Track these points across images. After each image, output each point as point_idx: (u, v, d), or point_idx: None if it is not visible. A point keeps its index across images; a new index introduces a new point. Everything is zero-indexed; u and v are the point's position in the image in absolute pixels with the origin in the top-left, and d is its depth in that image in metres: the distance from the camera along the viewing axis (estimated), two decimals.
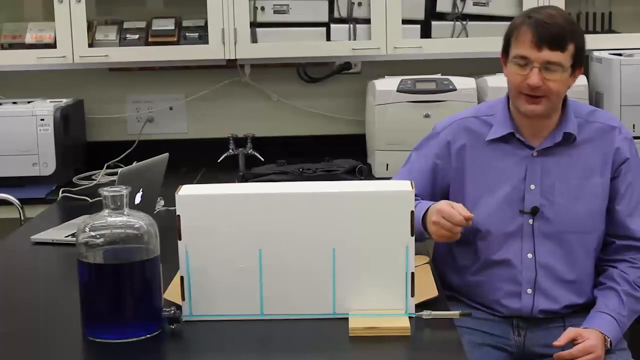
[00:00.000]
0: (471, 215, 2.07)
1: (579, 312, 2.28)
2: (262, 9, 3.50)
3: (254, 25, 3.49)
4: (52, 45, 3.48)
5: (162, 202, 2.85)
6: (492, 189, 2.26)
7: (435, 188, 2.34)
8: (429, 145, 2.37)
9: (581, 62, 2.21)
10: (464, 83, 3.38)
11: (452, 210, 2.07)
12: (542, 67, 2.15)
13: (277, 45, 3.49)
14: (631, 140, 2.30)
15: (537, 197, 2.24)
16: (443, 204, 2.11)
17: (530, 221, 2.25)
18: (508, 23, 3.58)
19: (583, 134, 2.26)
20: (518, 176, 2.25)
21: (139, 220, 1.77)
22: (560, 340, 2.16)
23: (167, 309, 1.80)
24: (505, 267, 2.27)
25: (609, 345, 2.18)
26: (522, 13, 2.25)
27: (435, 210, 2.11)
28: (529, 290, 2.26)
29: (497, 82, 3.37)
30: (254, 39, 3.49)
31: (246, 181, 3.32)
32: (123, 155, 3.69)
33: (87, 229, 1.76)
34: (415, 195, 2.14)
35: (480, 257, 2.29)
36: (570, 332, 2.17)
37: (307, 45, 3.49)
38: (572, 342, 2.16)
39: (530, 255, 2.25)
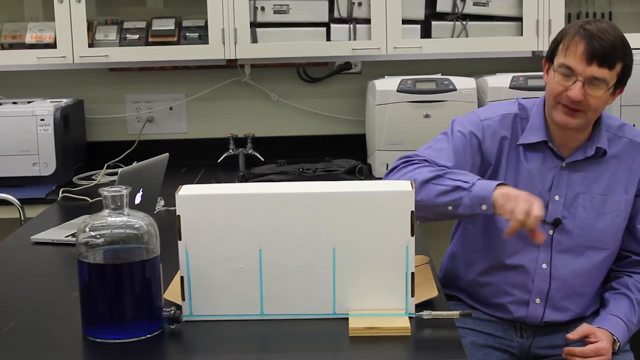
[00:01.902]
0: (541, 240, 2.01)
1: (583, 319, 2.29)
2: (262, 9, 3.50)
3: (254, 25, 3.49)
4: (52, 45, 3.48)
5: (162, 202, 2.86)
6: None
7: (471, 171, 2.22)
8: (473, 131, 2.25)
9: (625, 81, 2.17)
10: (464, 83, 3.38)
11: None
12: (586, 81, 2.11)
13: (277, 45, 3.49)
14: None
15: (560, 209, 2.22)
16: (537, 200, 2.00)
17: (551, 232, 2.22)
18: (508, 23, 3.61)
19: (611, 149, 2.23)
20: (544, 185, 2.22)
21: (139, 220, 1.77)
22: (574, 335, 2.17)
23: (167, 309, 1.80)
24: (517, 272, 2.25)
25: (616, 349, 2.18)
26: (575, 22, 2.18)
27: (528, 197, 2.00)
28: (538, 300, 2.25)
29: (497, 82, 3.38)
30: (254, 39, 3.49)
31: (246, 181, 3.32)
32: (123, 155, 3.70)
33: (87, 229, 1.76)
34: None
35: (494, 258, 2.27)
36: (584, 329, 2.18)
37: (307, 45, 3.49)
38: (584, 339, 2.17)
39: (545, 266, 2.24)
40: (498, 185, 2.04)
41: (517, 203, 1.97)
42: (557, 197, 2.22)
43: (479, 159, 2.24)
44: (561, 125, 2.17)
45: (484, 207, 2.03)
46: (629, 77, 2.17)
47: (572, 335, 2.17)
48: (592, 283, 2.27)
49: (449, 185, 2.05)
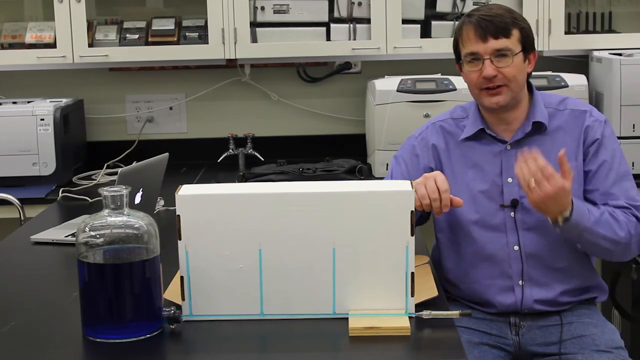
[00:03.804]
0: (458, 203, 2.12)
1: (576, 307, 2.30)
2: (262, 8, 3.50)
3: (254, 25, 3.49)
4: (52, 45, 3.48)
5: (162, 202, 2.86)
6: (471, 187, 2.28)
7: None
8: (407, 149, 2.40)
9: (532, 46, 2.25)
10: (463, 83, 3.34)
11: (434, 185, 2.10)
12: (492, 57, 2.20)
13: (277, 45, 3.49)
14: (604, 122, 2.29)
15: (515, 190, 2.25)
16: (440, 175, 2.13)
17: (512, 214, 2.26)
18: None
19: (554, 122, 2.28)
20: (494, 171, 2.27)
21: (139, 220, 1.77)
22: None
23: (167, 309, 1.80)
24: (493, 262, 2.27)
25: (567, 213, 2.10)
26: (462, 17, 2.30)
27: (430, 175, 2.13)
28: (521, 282, 2.27)
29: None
30: (254, 39, 3.49)
31: (246, 181, 3.32)
32: (123, 155, 3.70)
33: (87, 229, 1.76)
34: None
35: (468, 256, 2.30)
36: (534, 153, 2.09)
37: (307, 45, 3.49)
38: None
39: (516, 248, 2.26)
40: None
41: (420, 188, 2.09)
42: (510, 180, 2.26)
43: (423, 171, 2.29)
44: (493, 107, 2.24)
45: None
46: (533, 41, 2.26)
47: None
48: (564, 254, 2.27)
49: None
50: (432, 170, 2.31)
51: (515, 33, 2.21)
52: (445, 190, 2.09)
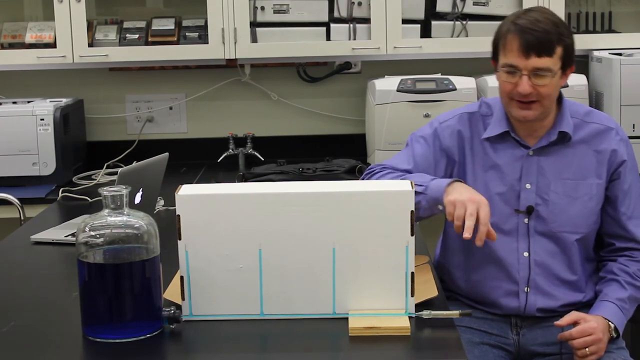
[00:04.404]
0: (493, 237, 2.04)
1: (579, 309, 2.29)
2: (262, 8, 3.50)
3: (254, 25, 3.49)
4: (52, 45, 3.48)
5: (162, 202, 2.86)
6: (489, 187, 2.27)
7: (436, 172, 2.29)
8: (432, 134, 2.32)
9: (571, 61, 2.20)
10: (464, 83, 3.38)
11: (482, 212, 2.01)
12: (531, 74, 2.15)
13: (277, 45, 3.49)
14: (627, 142, 2.30)
15: (532, 196, 2.25)
16: (483, 198, 2.04)
17: (526, 220, 2.25)
18: None
19: (579, 134, 2.26)
20: (514, 175, 2.26)
21: (139, 220, 1.77)
22: (562, 321, 2.18)
23: (167, 309, 1.80)
24: (501, 265, 2.27)
25: (613, 332, 2.19)
26: (507, 18, 2.22)
27: (473, 198, 2.02)
28: (526, 289, 2.27)
29: (497, 82, 3.37)
30: (254, 39, 3.49)
31: (246, 181, 3.32)
32: (123, 155, 3.70)
33: (87, 229, 1.76)
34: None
35: (476, 256, 2.29)
36: (572, 315, 2.19)
37: (307, 45, 3.49)
38: (574, 325, 2.17)
39: (526, 254, 2.26)
40: (449, 183, 2.08)
41: (460, 209, 2.00)
42: (528, 186, 2.25)
43: (444, 158, 2.29)
44: (520, 120, 2.21)
45: (440, 207, 2.08)
46: (574, 54, 2.21)
47: (561, 321, 2.18)
48: (573, 267, 2.28)
49: None
50: (450, 155, 2.27)
51: (559, 51, 2.15)
52: (485, 223, 2.00)
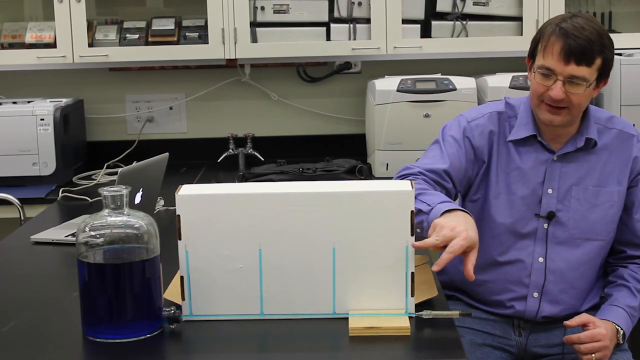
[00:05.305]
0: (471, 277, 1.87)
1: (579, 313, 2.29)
2: (262, 8, 3.50)
3: (254, 25, 3.49)
4: (52, 45, 3.49)
5: (162, 202, 2.86)
6: (511, 189, 2.25)
7: (466, 172, 2.27)
8: (461, 133, 2.27)
9: (607, 74, 2.18)
10: (464, 83, 3.38)
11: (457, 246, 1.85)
12: (566, 80, 2.12)
13: (277, 45, 3.49)
14: None
15: (553, 202, 2.23)
16: (473, 234, 1.88)
17: (545, 225, 2.24)
18: (508, 23, 3.61)
19: (602, 140, 2.25)
20: (537, 179, 2.24)
21: (139, 220, 1.77)
22: (572, 322, 2.18)
23: (167, 309, 1.80)
24: (514, 268, 2.26)
25: (621, 339, 2.19)
26: (552, 19, 2.19)
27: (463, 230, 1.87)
28: (536, 294, 2.26)
29: (497, 82, 3.37)
30: (254, 39, 3.49)
31: (246, 181, 3.32)
32: (123, 155, 3.70)
33: (87, 229, 1.76)
34: (448, 175, 2.19)
35: (490, 255, 2.27)
36: (583, 317, 2.19)
37: (307, 45, 3.49)
38: (583, 327, 2.17)
39: (541, 260, 2.25)
40: (447, 211, 1.95)
41: (448, 233, 1.85)
42: (550, 191, 2.24)
43: (473, 159, 2.27)
44: (547, 123, 2.20)
45: None
46: (611, 68, 2.18)
47: (570, 322, 2.18)
48: (588, 275, 2.28)
49: (415, 208, 1.93)
50: (479, 155, 2.25)
51: (598, 62, 2.12)
52: (450, 252, 1.83)
